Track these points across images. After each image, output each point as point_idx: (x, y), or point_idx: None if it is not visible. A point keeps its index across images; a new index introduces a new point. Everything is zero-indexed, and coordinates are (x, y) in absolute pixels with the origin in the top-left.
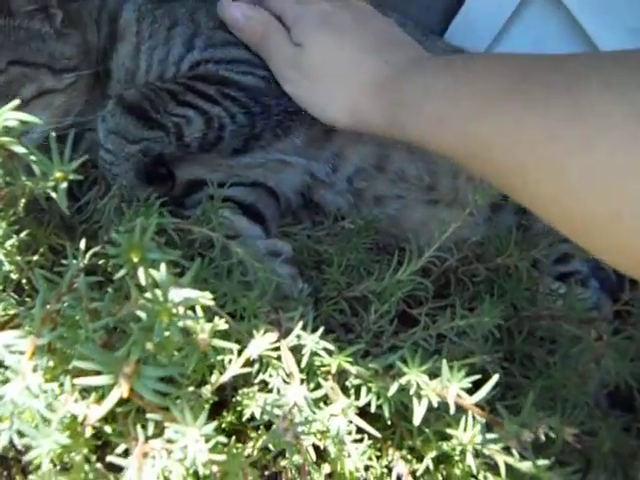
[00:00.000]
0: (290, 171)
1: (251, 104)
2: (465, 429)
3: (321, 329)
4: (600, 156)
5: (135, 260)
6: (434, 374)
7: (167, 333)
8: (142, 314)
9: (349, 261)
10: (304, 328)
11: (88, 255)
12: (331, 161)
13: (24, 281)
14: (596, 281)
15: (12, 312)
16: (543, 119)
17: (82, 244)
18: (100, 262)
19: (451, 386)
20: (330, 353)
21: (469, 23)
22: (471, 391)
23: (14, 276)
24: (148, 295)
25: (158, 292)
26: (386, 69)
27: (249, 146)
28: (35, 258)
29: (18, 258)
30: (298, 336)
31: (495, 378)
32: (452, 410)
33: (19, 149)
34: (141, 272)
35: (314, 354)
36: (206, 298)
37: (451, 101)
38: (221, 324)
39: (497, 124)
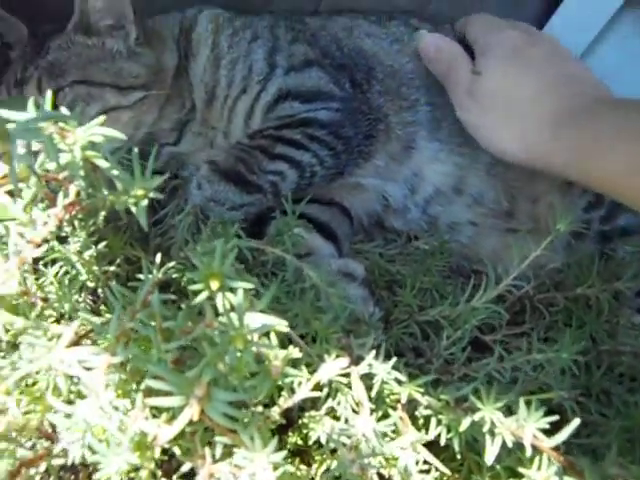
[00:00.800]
0: (365, 194)
1: (335, 142)
2: (539, 468)
3: (393, 359)
4: None
5: (214, 287)
6: (508, 409)
7: (240, 357)
8: (216, 336)
9: (422, 284)
10: (376, 356)
11: (162, 270)
12: (410, 181)
13: (99, 290)
14: None
15: (88, 327)
16: None
17: (157, 258)
18: (174, 276)
19: (527, 426)
20: (400, 382)
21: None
22: (547, 429)
23: (90, 283)
24: (223, 319)
25: (234, 316)
26: (568, 107)
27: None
28: (112, 269)
29: (95, 268)
30: (370, 365)
31: (576, 422)
32: (528, 452)
33: (102, 163)
34: (219, 298)
35: (384, 382)
36: (282, 325)
37: None
38: (295, 353)
39: None
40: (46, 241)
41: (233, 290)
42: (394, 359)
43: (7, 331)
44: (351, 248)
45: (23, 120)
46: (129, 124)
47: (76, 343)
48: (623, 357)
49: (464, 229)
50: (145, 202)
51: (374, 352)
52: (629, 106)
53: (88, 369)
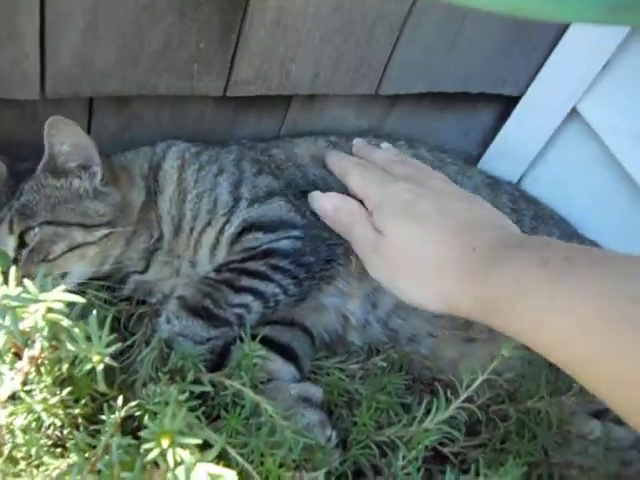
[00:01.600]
0: (326, 314)
1: (297, 270)
2: None
3: None
4: None
5: (165, 445)
6: None
7: None
8: None
9: (379, 403)
10: None
11: (125, 409)
12: (370, 297)
13: (65, 431)
14: None
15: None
16: None
17: (119, 400)
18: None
19: None
20: None
21: (506, 148)
22: None
23: (56, 422)
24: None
25: (181, 473)
26: (472, 258)
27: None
28: (77, 411)
29: (60, 412)
30: None
31: None
32: None
33: (65, 323)
34: (170, 456)
35: None
36: (231, 475)
37: (546, 306)
38: None
39: (598, 343)
40: (12, 397)
41: (184, 445)
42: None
43: None
44: (312, 365)
45: None
46: (96, 258)
47: None
48: (572, 471)
49: (424, 341)
50: (101, 366)
51: None
52: (527, 253)
53: None
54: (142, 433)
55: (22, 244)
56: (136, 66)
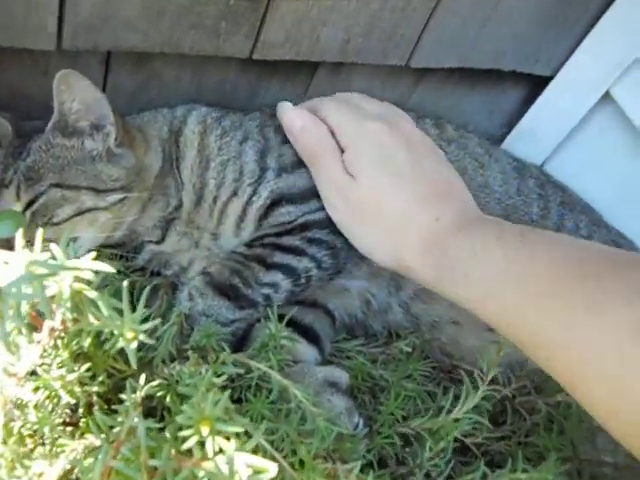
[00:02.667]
0: (348, 297)
1: (334, 240)
2: None
3: None
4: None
5: (205, 432)
6: None
7: None
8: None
9: (405, 390)
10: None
11: (145, 389)
12: (395, 278)
13: (80, 409)
14: None
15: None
16: (608, 326)
17: (141, 379)
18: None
19: None
20: None
21: (532, 130)
22: None
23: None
24: (212, 462)
25: (223, 462)
26: (434, 228)
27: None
28: (94, 389)
29: (78, 390)
30: None
31: None
32: None
33: (92, 295)
34: (209, 443)
35: None
36: (270, 467)
37: (500, 276)
38: None
39: (549, 311)
40: (31, 373)
41: (222, 433)
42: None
43: None
44: (332, 347)
45: (14, 281)
46: (107, 224)
47: None
48: (605, 469)
49: (446, 327)
50: (135, 344)
51: None
52: (486, 232)
53: None
54: (179, 418)
55: (28, 206)
56: (161, 20)
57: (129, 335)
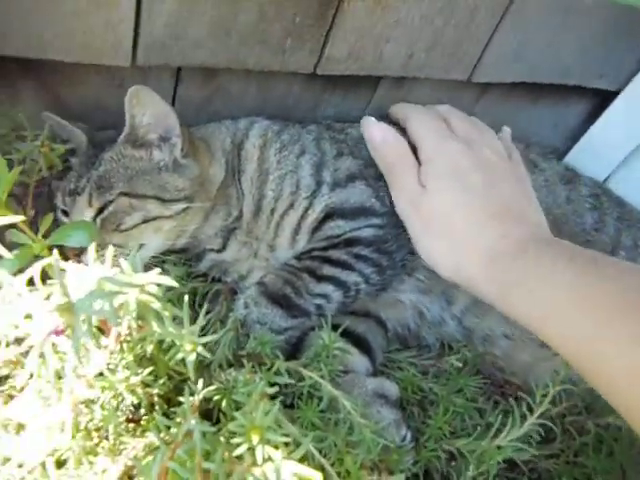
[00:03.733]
0: (402, 309)
1: (379, 258)
2: None
3: None
4: None
5: (255, 441)
6: None
7: None
8: None
9: (454, 406)
10: None
11: (203, 392)
12: (447, 292)
13: (142, 408)
14: None
15: (129, 463)
16: None
17: (199, 384)
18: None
19: None
20: None
21: (595, 145)
22: None
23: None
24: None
25: (270, 471)
26: (502, 245)
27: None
28: (155, 391)
29: (140, 391)
30: None
31: None
32: None
33: (157, 306)
34: (259, 451)
35: None
36: (316, 477)
37: (568, 297)
38: None
39: (615, 340)
40: (99, 374)
41: (272, 442)
42: None
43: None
44: (384, 357)
45: (86, 296)
46: (172, 232)
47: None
48: None
49: (498, 341)
50: (193, 356)
51: None
52: (557, 252)
53: None
54: (231, 426)
55: (99, 213)
56: (228, 38)
57: (188, 347)
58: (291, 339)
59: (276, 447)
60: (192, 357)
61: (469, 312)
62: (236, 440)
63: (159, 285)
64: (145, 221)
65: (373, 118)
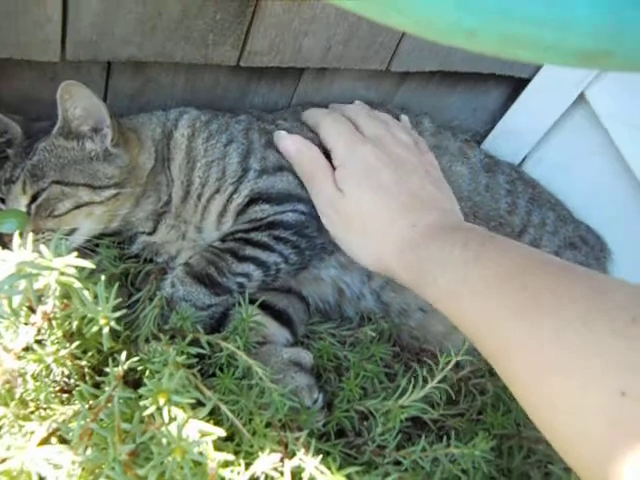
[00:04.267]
0: (322, 285)
1: (299, 241)
2: None
3: (320, 456)
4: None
5: (161, 402)
6: None
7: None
8: (163, 439)
9: (365, 372)
10: (307, 450)
11: (126, 365)
12: (366, 269)
13: (72, 381)
14: None
15: (54, 426)
16: (531, 332)
17: (123, 355)
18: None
19: None
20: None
21: (512, 128)
22: None
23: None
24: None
25: (174, 429)
26: (411, 234)
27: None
28: (83, 363)
29: (69, 363)
30: (300, 459)
31: None
32: None
33: (77, 286)
34: (165, 411)
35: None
36: (218, 432)
37: (460, 281)
38: (229, 457)
39: (491, 316)
40: (26, 349)
41: (178, 404)
42: (320, 457)
43: None
44: (306, 328)
45: (5, 278)
46: (103, 216)
47: (46, 440)
48: (540, 445)
49: (414, 314)
50: (107, 329)
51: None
52: (456, 238)
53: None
54: (141, 390)
55: (33, 200)
56: (154, 34)
57: (102, 321)
58: (215, 315)
59: (182, 408)
60: (106, 330)
61: (387, 287)
62: (144, 402)
63: (77, 267)
64: (77, 207)
65: (284, 132)
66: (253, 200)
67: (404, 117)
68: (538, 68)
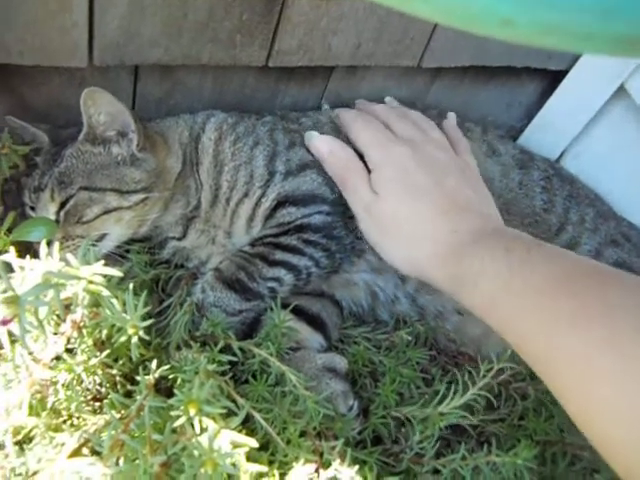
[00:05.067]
0: (354, 288)
1: (329, 243)
2: None
3: (356, 466)
4: None
5: (192, 413)
6: None
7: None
8: (194, 451)
9: (402, 377)
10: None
11: (157, 373)
12: (398, 272)
13: (104, 389)
14: None
15: (85, 436)
16: (582, 340)
17: (154, 363)
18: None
19: None
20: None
21: (550, 122)
22: None
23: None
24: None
25: (205, 441)
26: (452, 239)
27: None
28: (114, 372)
29: (99, 371)
30: (336, 469)
31: None
32: None
33: (105, 294)
34: (196, 422)
35: None
36: (251, 443)
37: (503, 288)
38: (262, 468)
39: (538, 324)
40: (57, 358)
41: (209, 414)
42: (356, 467)
43: (18, 433)
44: (340, 333)
45: (31, 289)
46: (132, 222)
47: (77, 451)
48: (585, 452)
49: (450, 317)
50: (135, 338)
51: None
52: (496, 244)
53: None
54: (171, 400)
55: (62, 207)
56: (180, 36)
57: (131, 331)
58: (246, 320)
59: (214, 418)
60: (135, 339)
61: (422, 290)
62: (175, 413)
63: (105, 276)
64: (106, 212)
65: (315, 132)
66: (280, 203)
67: (451, 114)
68: (575, 61)
